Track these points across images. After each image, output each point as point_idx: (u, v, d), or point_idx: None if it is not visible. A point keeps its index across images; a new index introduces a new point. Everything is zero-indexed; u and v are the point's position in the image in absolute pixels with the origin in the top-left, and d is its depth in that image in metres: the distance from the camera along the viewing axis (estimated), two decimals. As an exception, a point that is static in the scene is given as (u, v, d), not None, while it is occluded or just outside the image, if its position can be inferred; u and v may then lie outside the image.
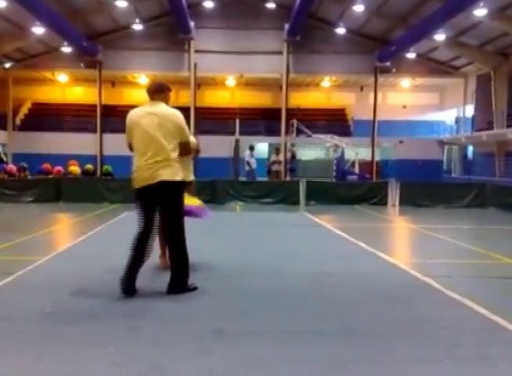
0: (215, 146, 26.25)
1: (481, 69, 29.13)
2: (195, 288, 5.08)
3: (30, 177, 16.74)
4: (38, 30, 25.05)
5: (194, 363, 3.33)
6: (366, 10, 26.39)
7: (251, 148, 21.56)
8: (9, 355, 3.45)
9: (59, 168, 17.21)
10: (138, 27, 29.71)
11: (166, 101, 5.09)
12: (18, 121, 32.47)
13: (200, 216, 6.15)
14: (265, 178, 20.94)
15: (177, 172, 4.90)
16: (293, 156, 26.81)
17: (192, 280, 5.20)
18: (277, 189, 15.97)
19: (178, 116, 5.00)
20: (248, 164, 21.00)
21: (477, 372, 3.30)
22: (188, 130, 5.16)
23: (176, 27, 28.78)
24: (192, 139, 5.59)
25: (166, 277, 5.06)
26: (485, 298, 4.93)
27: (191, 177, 6.11)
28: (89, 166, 17.43)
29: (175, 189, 4.94)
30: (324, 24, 30.47)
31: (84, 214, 12.15)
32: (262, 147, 30.91)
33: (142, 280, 5.44)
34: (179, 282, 5.01)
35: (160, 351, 3.51)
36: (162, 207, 4.94)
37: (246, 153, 21.53)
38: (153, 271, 5.79)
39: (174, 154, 4.90)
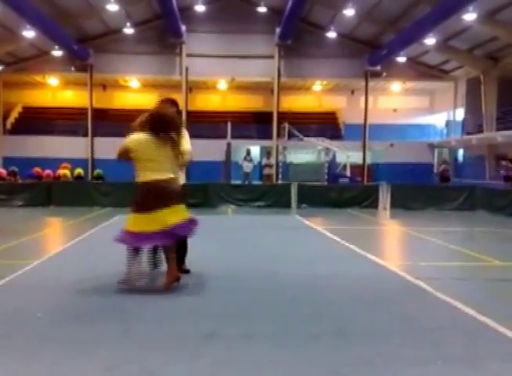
0: (207, 150, 26.24)
1: (471, 73, 29.36)
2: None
3: (20, 181, 16.62)
4: (29, 33, 24.99)
5: (185, 367, 3.33)
6: (357, 14, 26.52)
7: (247, 152, 21.84)
8: None
9: (48, 171, 17.09)
10: (129, 30, 29.65)
11: None
12: (8, 125, 32.27)
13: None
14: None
15: None
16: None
17: (184, 282, 5.21)
18: (269, 192, 15.99)
19: None
20: (242, 167, 21.25)
21: (469, 373, 3.33)
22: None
23: (167, 30, 28.82)
24: None
25: (157, 280, 5.05)
26: (475, 300, 4.97)
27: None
28: (79, 170, 17.33)
29: None
30: (315, 28, 30.60)
31: (76, 218, 12.11)
32: (254, 151, 30.95)
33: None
34: None
35: (151, 354, 3.50)
36: None
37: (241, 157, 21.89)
38: (149, 274, 5.78)
39: None
